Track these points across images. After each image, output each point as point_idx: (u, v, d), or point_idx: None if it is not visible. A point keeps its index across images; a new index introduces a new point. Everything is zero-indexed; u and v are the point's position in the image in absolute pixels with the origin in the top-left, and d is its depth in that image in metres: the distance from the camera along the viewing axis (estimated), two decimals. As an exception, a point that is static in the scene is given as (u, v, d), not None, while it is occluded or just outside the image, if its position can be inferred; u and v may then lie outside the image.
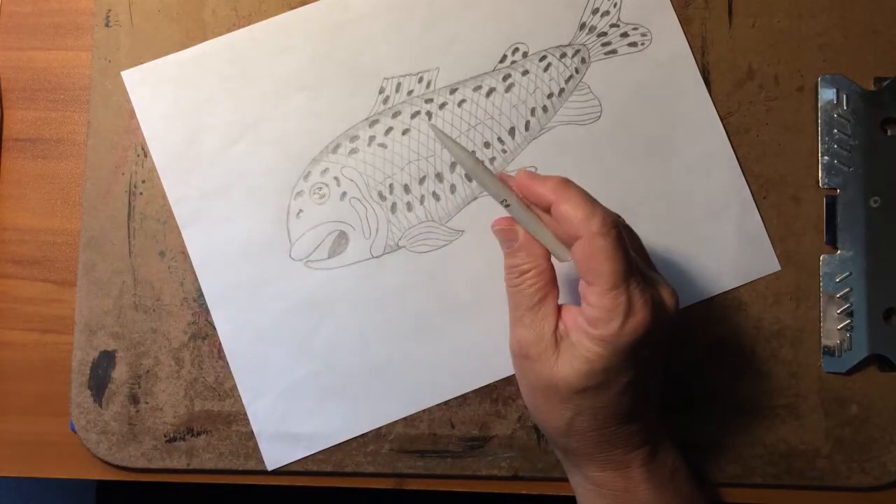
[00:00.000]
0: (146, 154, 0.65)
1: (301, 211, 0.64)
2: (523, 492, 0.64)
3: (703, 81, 0.65)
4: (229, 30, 0.65)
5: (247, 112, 0.65)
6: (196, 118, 0.65)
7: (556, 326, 0.52)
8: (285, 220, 0.64)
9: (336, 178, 0.64)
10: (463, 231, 0.64)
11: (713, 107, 0.64)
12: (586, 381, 0.51)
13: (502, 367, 0.63)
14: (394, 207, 0.64)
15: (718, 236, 0.64)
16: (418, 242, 0.64)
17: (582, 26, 0.65)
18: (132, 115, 0.65)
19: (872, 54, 0.65)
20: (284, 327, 0.64)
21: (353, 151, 0.64)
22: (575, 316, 0.52)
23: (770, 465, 0.63)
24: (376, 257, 0.64)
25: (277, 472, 0.64)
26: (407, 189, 0.64)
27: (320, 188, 0.64)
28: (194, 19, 0.66)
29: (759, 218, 0.64)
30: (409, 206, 0.64)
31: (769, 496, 0.64)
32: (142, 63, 0.65)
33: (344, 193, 0.64)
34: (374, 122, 0.65)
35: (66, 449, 0.64)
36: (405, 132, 0.65)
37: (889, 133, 0.64)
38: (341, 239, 0.64)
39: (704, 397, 0.63)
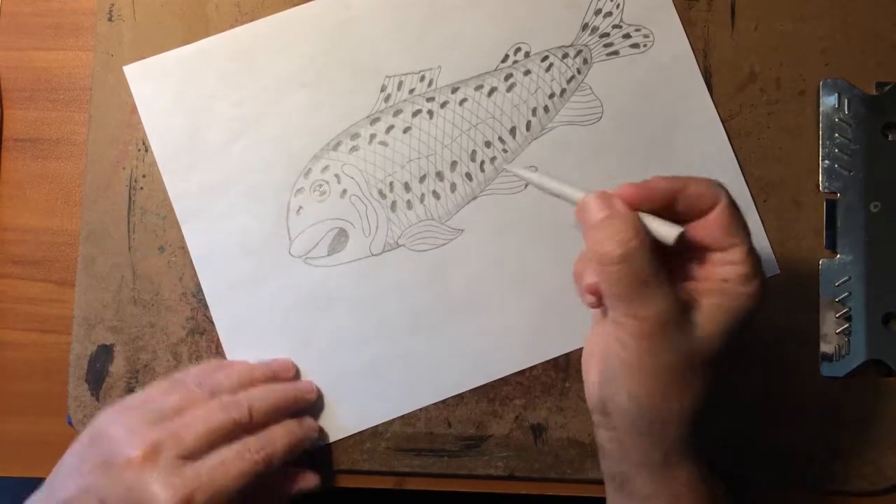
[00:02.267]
0: (147, 149, 0.65)
1: (301, 208, 0.64)
2: (520, 492, 0.64)
3: (704, 83, 0.65)
4: (232, 25, 0.65)
5: (248, 108, 0.65)
6: (197, 114, 0.65)
7: None
8: (285, 217, 0.64)
9: (336, 176, 0.64)
10: (462, 230, 0.64)
11: (714, 109, 0.64)
12: (728, 339, 0.49)
13: (500, 367, 0.63)
14: (394, 205, 0.64)
15: None
16: (418, 241, 0.64)
17: (584, 27, 0.65)
18: (134, 109, 0.65)
19: (874, 59, 0.64)
20: (283, 325, 0.64)
21: (354, 149, 0.64)
22: (704, 282, 0.50)
23: (767, 469, 0.63)
24: (376, 255, 0.64)
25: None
26: (407, 187, 0.64)
27: (321, 185, 0.64)
28: (197, 14, 0.66)
29: (759, 220, 0.64)
30: (410, 205, 0.64)
31: (766, 500, 0.64)
32: (144, 58, 0.65)
33: (344, 191, 0.64)
34: (375, 120, 0.65)
35: (66, 449, 0.63)
36: (406, 130, 0.65)
37: (890, 138, 0.64)
38: (341, 236, 0.64)
39: (701, 400, 0.63)
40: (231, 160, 0.65)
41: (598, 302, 0.51)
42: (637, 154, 0.64)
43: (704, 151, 0.64)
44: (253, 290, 0.64)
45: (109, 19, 0.65)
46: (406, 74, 0.65)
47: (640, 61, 0.65)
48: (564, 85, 0.65)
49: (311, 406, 0.63)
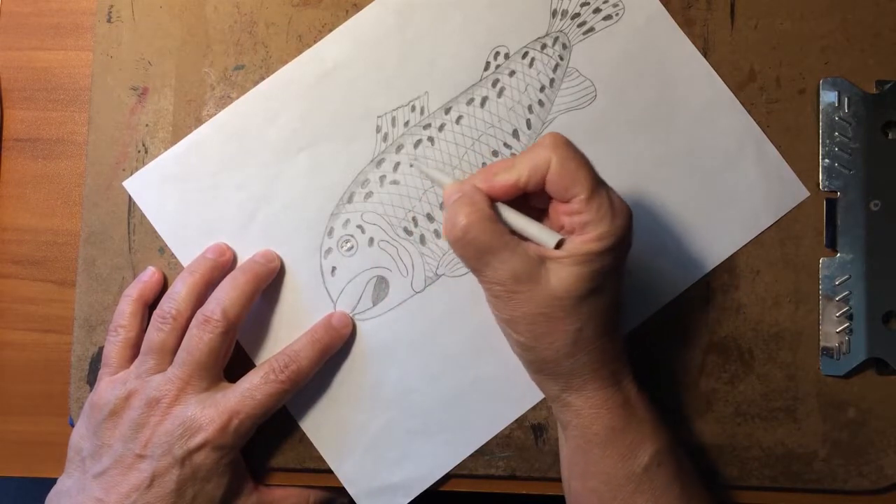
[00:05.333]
0: (147, 150, 0.64)
1: (335, 268, 0.64)
2: (521, 492, 0.64)
3: (684, 35, 0.65)
4: (231, 26, 0.65)
5: (254, 187, 0.64)
6: (207, 206, 0.64)
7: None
8: (321, 281, 0.64)
9: (359, 227, 0.64)
10: None
11: (701, 56, 0.65)
12: (588, 283, 0.52)
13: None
14: (422, 239, 0.64)
15: (742, 179, 0.64)
16: (455, 266, 0.64)
17: (554, 13, 0.65)
18: (133, 110, 0.65)
19: (874, 57, 0.64)
20: (351, 385, 0.64)
21: (368, 195, 0.64)
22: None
23: (767, 468, 0.63)
24: (419, 292, 0.64)
25: (272, 470, 0.64)
26: (430, 217, 0.64)
27: (347, 240, 0.64)
28: (196, 15, 0.65)
29: (775, 150, 0.64)
30: (437, 234, 0.64)
31: (766, 498, 0.64)
32: (143, 58, 0.65)
33: (371, 239, 0.64)
34: (380, 162, 0.64)
35: (66, 449, 0.63)
36: (413, 164, 0.64)
37: (890, 136, 0.64)
38: (381, 284, 0.64)
39: (703, 399, 0.63)
40: (252, 241, 0.64)
41: None
42: (641, 121, 0.64)
43: (703, 99, 0.64)
44: None
45: (108, 20, 0.65)
46: (397, 109, 0.64)
47: (617, 31, 0.65)
48: (551, 75, 0.65)
49: (275, 273, 0.63)
